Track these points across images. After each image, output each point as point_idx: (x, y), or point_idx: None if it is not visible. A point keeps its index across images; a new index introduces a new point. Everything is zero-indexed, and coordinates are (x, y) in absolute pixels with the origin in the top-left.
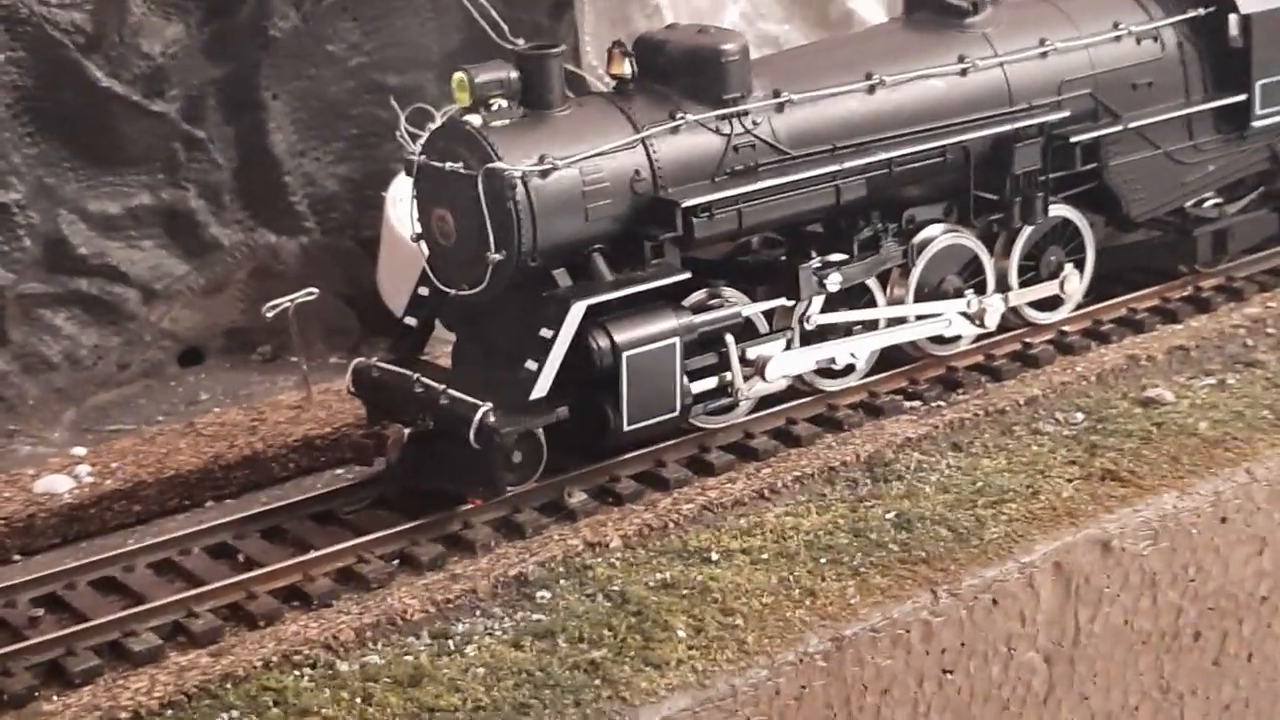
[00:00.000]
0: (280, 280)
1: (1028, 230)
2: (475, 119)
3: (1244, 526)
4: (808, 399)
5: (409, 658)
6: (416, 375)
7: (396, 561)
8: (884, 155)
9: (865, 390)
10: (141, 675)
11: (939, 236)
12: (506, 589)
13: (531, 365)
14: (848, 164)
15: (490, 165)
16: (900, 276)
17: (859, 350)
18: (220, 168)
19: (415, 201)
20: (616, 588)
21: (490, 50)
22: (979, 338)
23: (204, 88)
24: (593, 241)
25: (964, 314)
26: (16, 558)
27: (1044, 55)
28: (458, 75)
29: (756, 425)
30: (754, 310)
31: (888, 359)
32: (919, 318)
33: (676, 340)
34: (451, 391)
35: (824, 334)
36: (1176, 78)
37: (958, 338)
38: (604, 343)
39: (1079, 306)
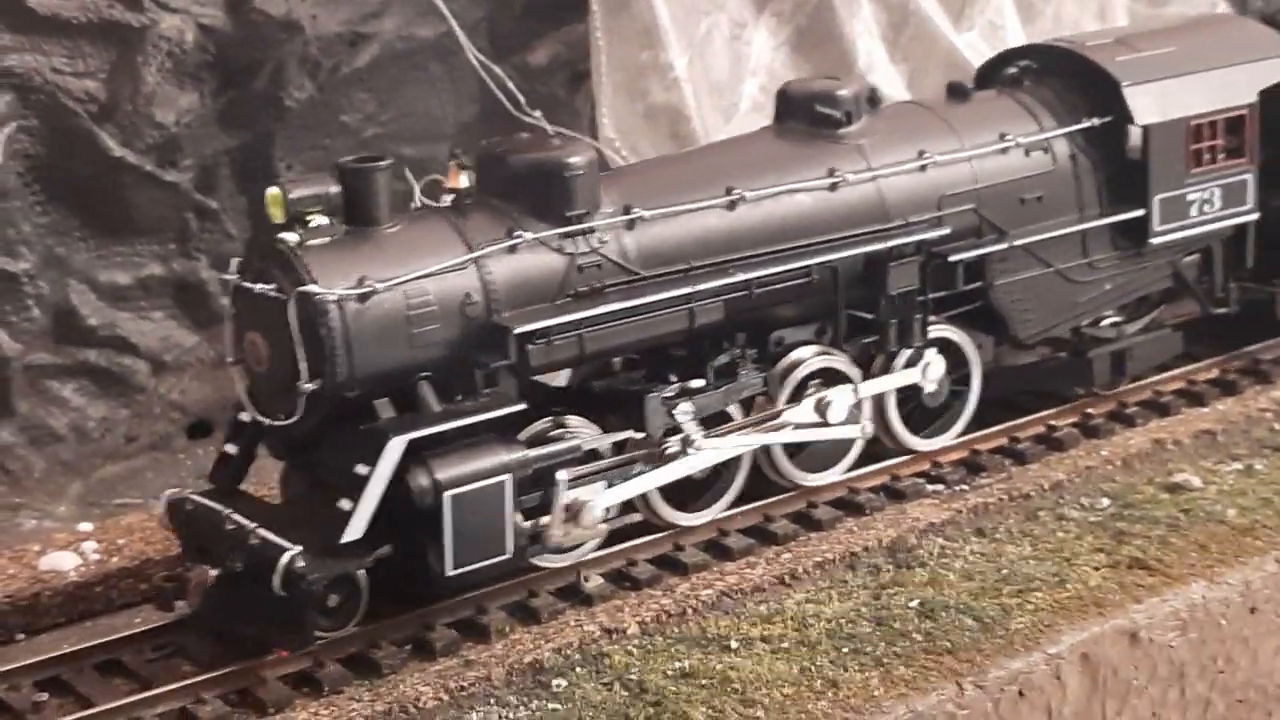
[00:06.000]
0: None
1: (906, 353)
2: (292, 237)
3: (1274, 617)
4: (832, 482)
5: None
6: (228, 511)
7: (409, 647)
8: (743, 276)
9: (887, 473)
10: None
11: (809, 360)
12: (521, 676)
13: (345, 504)
14: (702, 285)
15: (302, 288)
16: (767, 402)
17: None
18: (233, 238)
19: (231, 323)
20: (634, 676)
21: (505, 122)
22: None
23: (217, 157)
24: (420, 369)
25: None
26: (20, 637)
27: (923, 168)
28: (271, 190)
29: (776, 509)
30: (603, 442)
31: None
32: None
33: (508, 477)
34: (262, 531)
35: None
36: (1069, 191)
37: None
38: (424, 481)
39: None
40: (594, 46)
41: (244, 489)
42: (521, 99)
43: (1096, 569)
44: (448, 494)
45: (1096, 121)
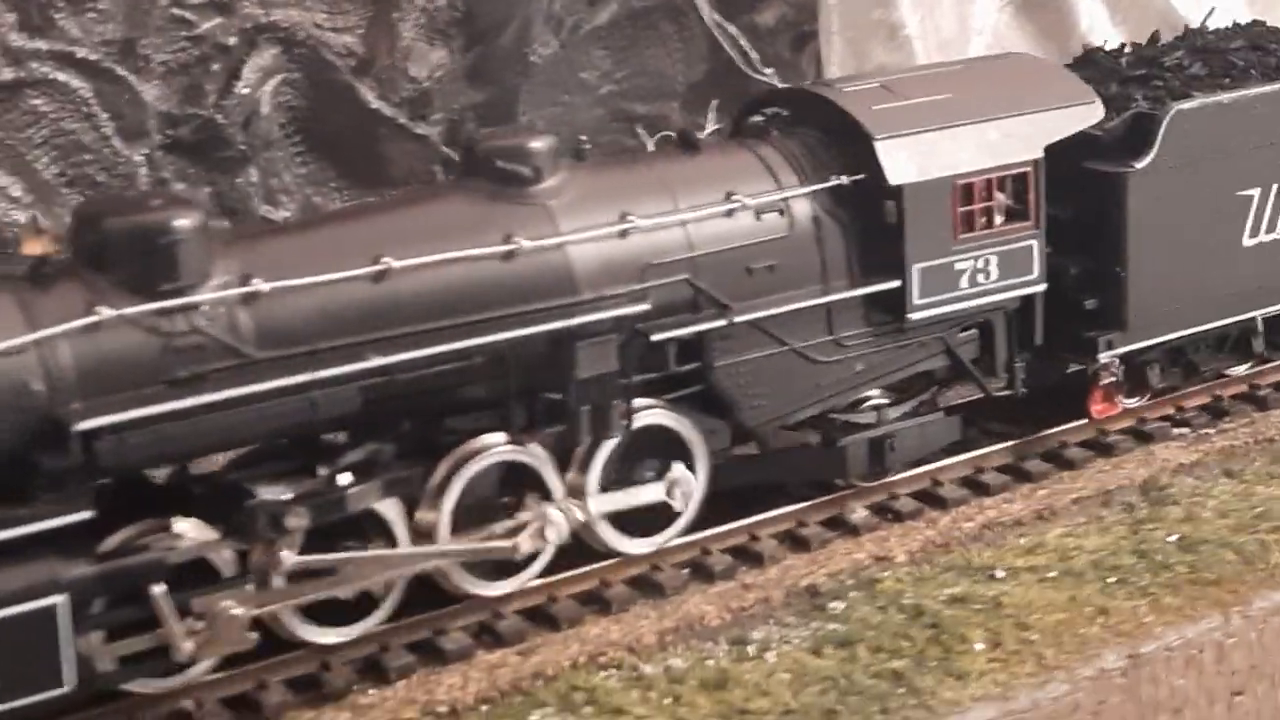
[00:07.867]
0: None
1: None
2: None
3: None
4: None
5: (710, 662)
6: None
7: (688, 571)
8: (380, 361)
9: (1134, 416)
10: (454, 672)
11: (489, 448)
12: (798, 599)
13: None
14: (327, 371)
15: None
16: (434, 499)
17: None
18: None
19: None
20: (908, 600)
21: (733, 82)
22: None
23: (464, 112)
24: None
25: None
26: None
27: (623, 234)
28: None
29: (1027, 448)
30: (218, 550)
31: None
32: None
33: (61, 599)
34: None
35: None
36: (810, 259)
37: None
38: None
39: None
40: (823, 6)
41: None
42: (755, 57)
43: None
44: None
45: (845, 180)
